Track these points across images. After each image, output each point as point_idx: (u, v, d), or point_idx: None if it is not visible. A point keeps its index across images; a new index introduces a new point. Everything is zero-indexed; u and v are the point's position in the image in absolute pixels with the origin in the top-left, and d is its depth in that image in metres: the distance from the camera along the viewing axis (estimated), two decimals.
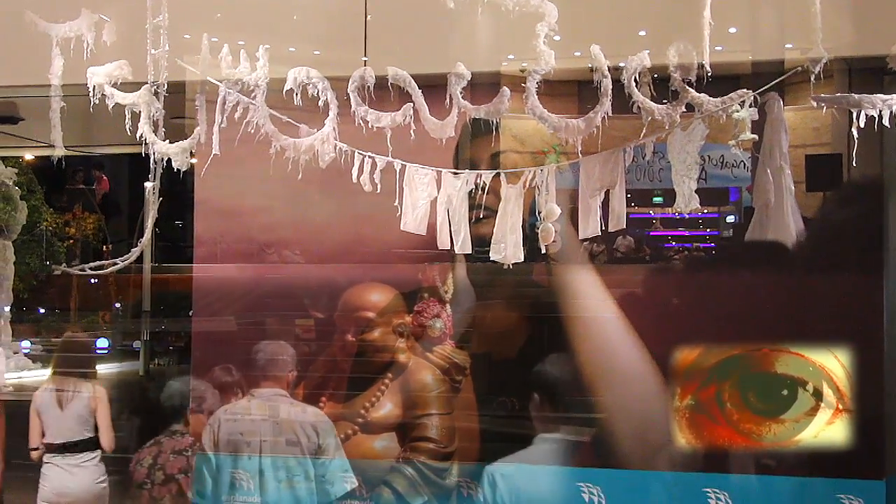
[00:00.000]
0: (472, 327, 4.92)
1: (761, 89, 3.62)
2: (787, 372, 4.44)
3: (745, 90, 3.59)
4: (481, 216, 4.75)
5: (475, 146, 4.61)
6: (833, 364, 4.40)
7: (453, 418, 4.57)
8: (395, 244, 4.89)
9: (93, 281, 10.15)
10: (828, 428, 4.39)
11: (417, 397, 4.54)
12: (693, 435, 4.53)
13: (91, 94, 4.16)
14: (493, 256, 3.93)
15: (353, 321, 4.65)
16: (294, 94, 3.86)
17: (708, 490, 4.36)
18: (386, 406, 4.56)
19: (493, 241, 3.92)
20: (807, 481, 4.39)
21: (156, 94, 4.15)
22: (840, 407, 4.38)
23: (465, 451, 4.67)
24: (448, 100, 3.79)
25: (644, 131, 3.64)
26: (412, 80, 3.83)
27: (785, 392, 4.43)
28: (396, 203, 3.92)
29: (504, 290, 4.94)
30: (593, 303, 4.74)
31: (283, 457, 4.47)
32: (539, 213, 3.90)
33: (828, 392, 4.41)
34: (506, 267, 3.91)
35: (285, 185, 4.22)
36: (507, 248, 3.89)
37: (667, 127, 3.63)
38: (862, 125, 3.35)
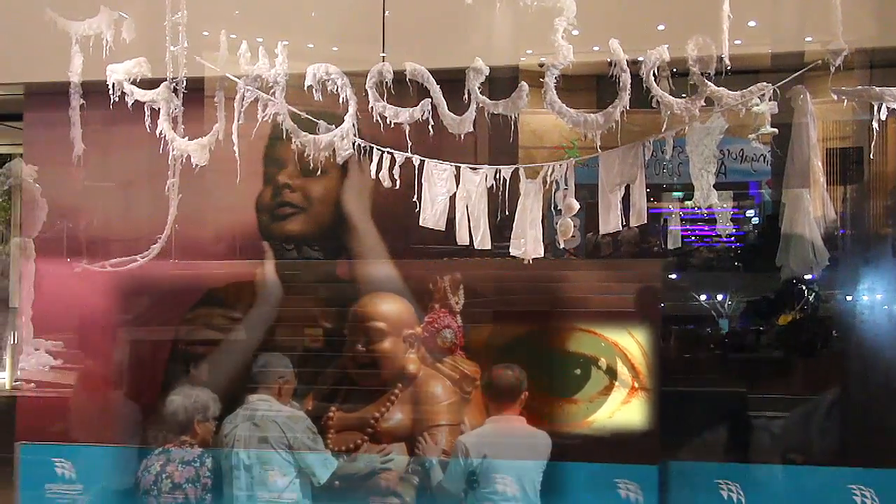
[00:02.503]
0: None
1: (781, 82, 3.60)
2: (579, 350, 4.48)
3: (764, 83, 3.57)
4: (288, 213, 5.02)
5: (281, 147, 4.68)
6: (628, 342, 4.45)
7: (463, 429, 4.57)
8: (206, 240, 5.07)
9: None
10: (624, 408, 4.41)
11: (427, 408, 4.54)
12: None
13: (110, 91, 4.19)
14: (513, 252, 3.92)
15: (364, 331, 4.65)
16: (313, 91, 3.87)
17: (496, 476, 4.37)
18: (396, 416, 4.56)
19: (512, 236, 3.91)
20: (584, 466, 4.37)
21: (175, 90, 4.17)
22: (636, 385, 4.41)
23: None
24: (466, 95, 3.79)
25: (665, 126, 3.63)
26: (430, 76, 3.83)
27: (577, 371, 4.46)
28: (415, 198, 3.92)
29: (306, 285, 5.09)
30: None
31: (257, 453, 4.53)
32: (557, 207, 3.90)
33: (622, 370, 4.43)
34: (526, 262, 3.91)
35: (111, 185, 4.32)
36: (528, 243, 3.89)
37: (686, 121, 3.62)
38: (883, 118, 3.34)
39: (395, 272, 4.84)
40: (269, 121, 3.99)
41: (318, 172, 4.00)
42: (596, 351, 4.49)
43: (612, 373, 4.45)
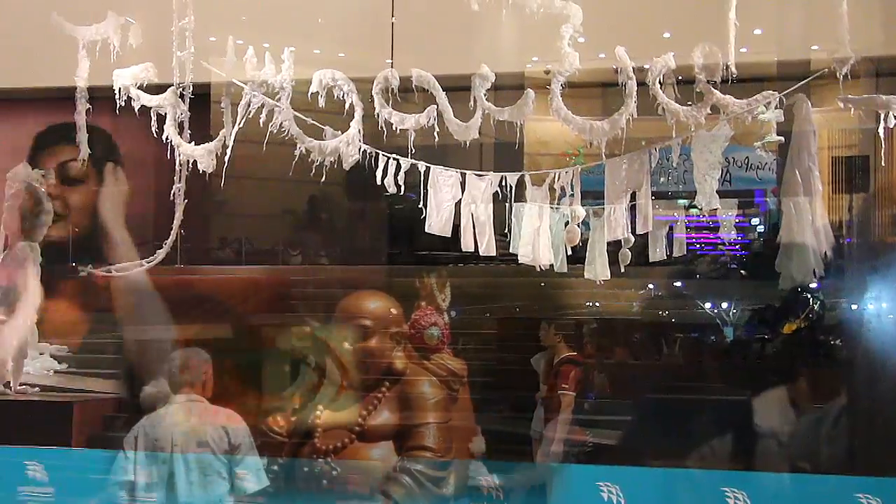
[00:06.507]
0: None
1: (787, 91, 3.59)
2: (287, 347, 4.69)
3: (770, 91, 3.57)
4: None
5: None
6: (338, 340, 4.61)
7: (450, 426, 4.55)
8: None
9: None
10: (333, 405, 4.54)
11: (414, 405, 4.52)
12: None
13: (117, 96, 4.19)
14: (521, 260, 3.93)
15: (350, 329, 4.64)
16: (319, 97, 3.87)
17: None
18: (383, 414, 4.52)
19: (521, 243, 3.92)
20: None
21: (181, 96, 4.17)
22: (345, 384, 4.54)
23: None
24: (472, 102, 3.79)
25: (674, 133, 3.62)
26: (436, 82, 3.83)
27: (286, 368, 4.66)
28: (421, 205, 3.93)
29: None
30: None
31: (196, 457, 4.53)
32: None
33: (332, 368, 4.58)
34: (537, 269, 3.92)
35: None
36: (536, 250, 3.91)
37: (692, 129, 3.62)
38: (890, 126, 3.33)
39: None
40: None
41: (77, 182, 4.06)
42: (305, 349, 4.71)
43: (321, 371, 4.64)
